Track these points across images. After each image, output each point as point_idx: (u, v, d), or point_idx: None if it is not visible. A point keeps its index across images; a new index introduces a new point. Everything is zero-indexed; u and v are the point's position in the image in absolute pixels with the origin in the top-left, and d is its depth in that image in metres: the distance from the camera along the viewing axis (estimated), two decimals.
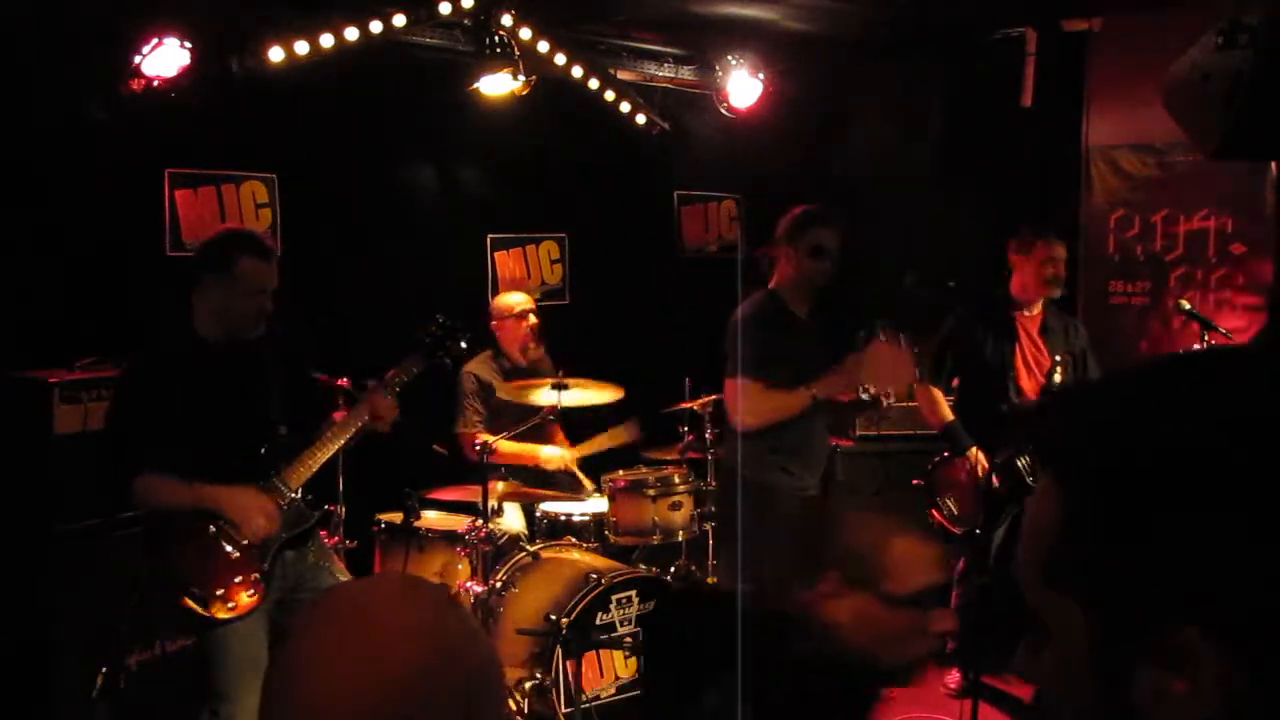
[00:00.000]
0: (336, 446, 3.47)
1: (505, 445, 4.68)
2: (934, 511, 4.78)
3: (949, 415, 4.72)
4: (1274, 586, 0.63)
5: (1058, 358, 4.51)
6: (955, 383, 4.79)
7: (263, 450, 3.38)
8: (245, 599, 3.27)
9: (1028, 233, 4.67)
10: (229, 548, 3.27)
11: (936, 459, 4.85)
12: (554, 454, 5.03)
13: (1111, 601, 0.68)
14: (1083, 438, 0.72)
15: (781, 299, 4.12)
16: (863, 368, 3.87)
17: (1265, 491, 0.64)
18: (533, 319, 5.12)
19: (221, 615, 3.24)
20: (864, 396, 3.88)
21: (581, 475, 5.11)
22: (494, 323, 5.17)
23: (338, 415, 3.65)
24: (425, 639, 0.96)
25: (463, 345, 3.76)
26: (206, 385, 3.31)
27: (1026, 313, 4.71)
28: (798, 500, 4.05)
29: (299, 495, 3.42)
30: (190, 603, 3.21)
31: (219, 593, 3.24)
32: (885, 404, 3.95)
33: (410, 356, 3.60)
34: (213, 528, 3.27)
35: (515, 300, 5.19)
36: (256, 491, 3.32)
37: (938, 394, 4.76)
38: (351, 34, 4.61)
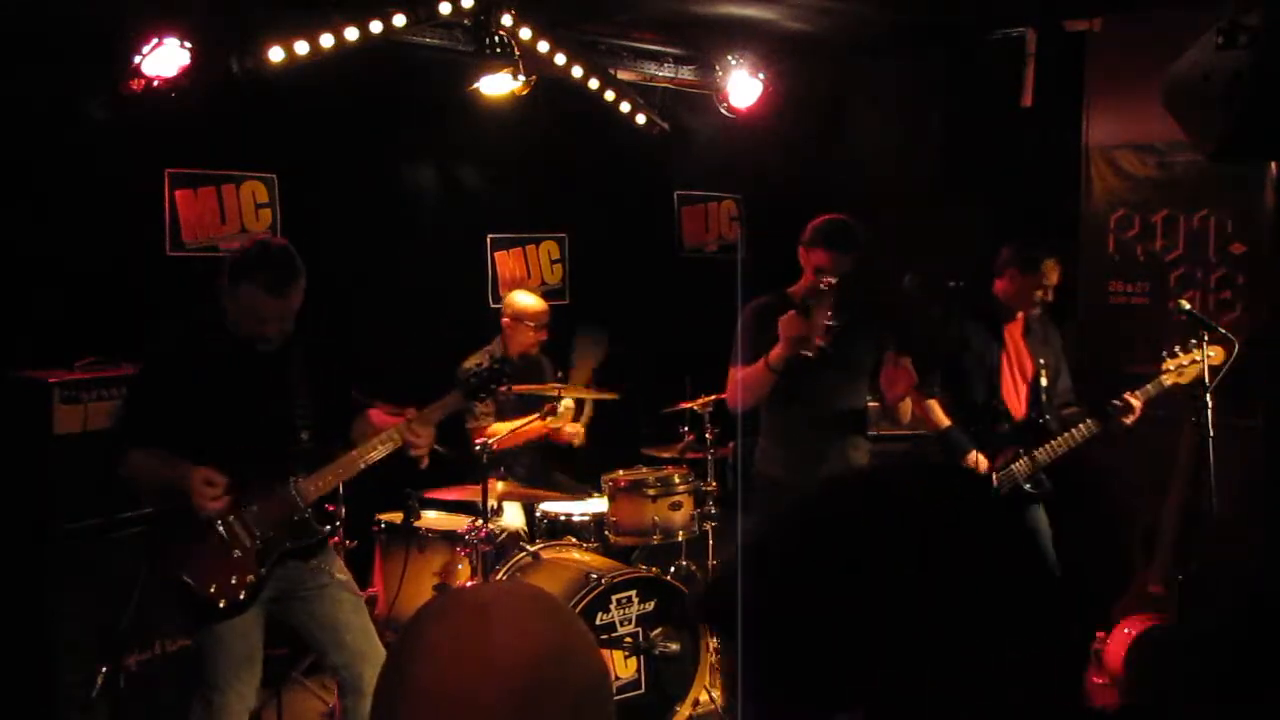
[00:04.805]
0: (360, 467, 3.42)
1: (508, 431, 4.66)
2: None
3: (946, 421, 4.69)
4: (897, 672, 0.77)
5: (1042, 361, 4.48)
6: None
7: (283, 453, 3.35)
8: (240, 597, 3.28)
9: (1031, 250, 4.50)
10: (230, 548, 3.28)
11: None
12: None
13: (792, 700, 0.84)
14: (709, 591, 0.91)
15: (790, 300, 4.04)
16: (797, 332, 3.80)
17: (862, 599, 0.80)
18: (543, 334, 5.11)
19: (216, 610, 3.26)
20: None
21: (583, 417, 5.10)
22: (505, 319, 5.19)
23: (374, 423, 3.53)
24: (544, 639, 1.02)
25: (505, 389, 3.80)
26: (227, 378, 3.29)
27: (1012, 318, 4.63)
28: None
29: (309, 511, 3.39)
30: (186, 578, 3.21)
31: (212, 589, 3.24)
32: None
33: (452, 394, 3.60)
34: (215, 530, 3.26)
35: (533, 310, 5.16)
36: (208, 469, 3.20)
37: (933, 403, 4.74)
38: (351, 34, 4.61)
